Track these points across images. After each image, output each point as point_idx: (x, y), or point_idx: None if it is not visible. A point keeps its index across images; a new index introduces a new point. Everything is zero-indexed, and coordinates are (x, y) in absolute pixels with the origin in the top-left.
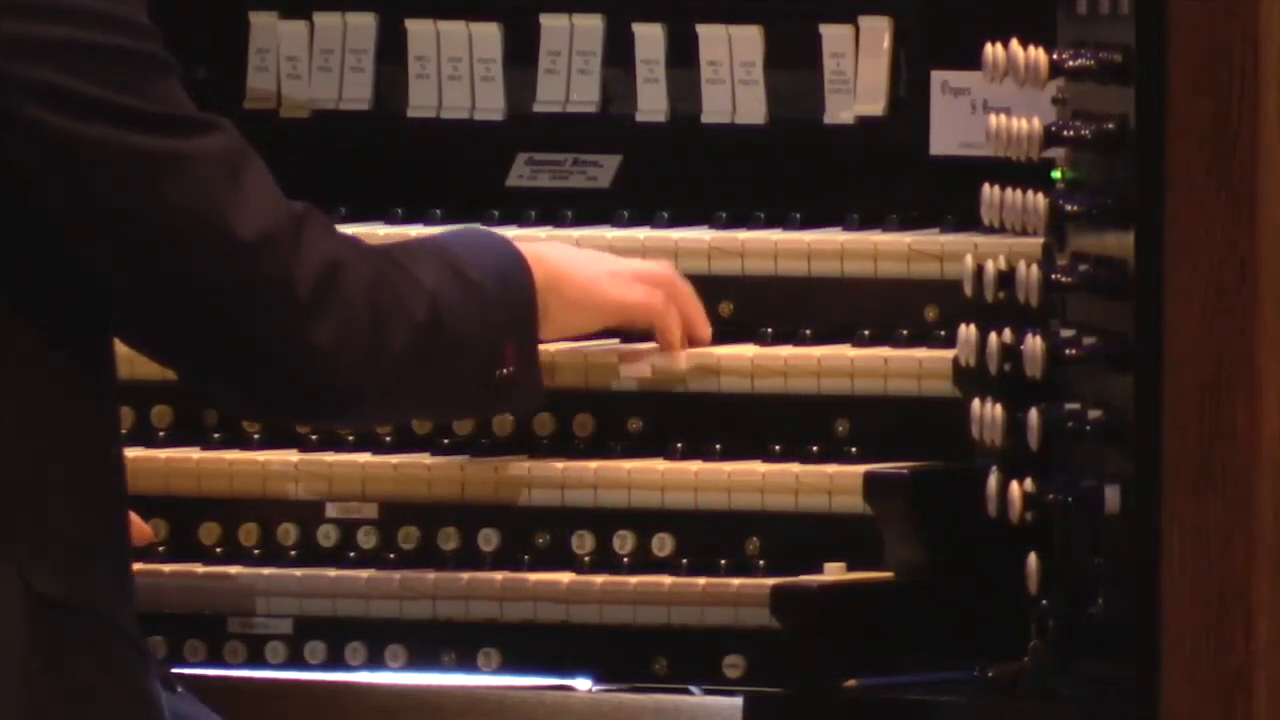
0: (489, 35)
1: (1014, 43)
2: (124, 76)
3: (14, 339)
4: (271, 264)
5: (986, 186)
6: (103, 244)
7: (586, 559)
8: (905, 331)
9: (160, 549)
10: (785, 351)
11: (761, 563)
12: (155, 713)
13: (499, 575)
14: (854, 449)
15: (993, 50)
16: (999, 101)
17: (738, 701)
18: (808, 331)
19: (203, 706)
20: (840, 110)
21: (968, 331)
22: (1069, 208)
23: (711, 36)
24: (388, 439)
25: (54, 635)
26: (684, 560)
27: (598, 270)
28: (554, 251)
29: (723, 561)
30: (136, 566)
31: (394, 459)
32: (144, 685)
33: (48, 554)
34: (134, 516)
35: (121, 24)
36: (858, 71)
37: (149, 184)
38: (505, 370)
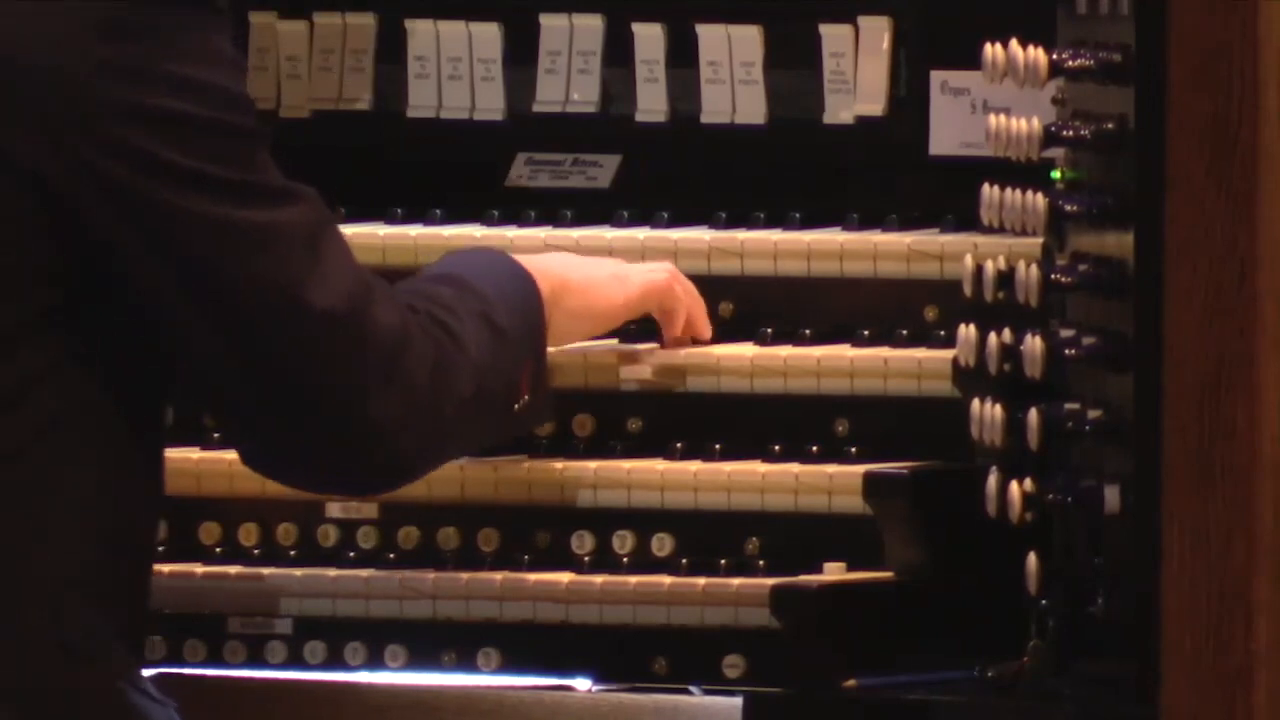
0: (489, 35)
1: (1014, 43)
2: (225, 150)
3: (75, 386)
4: (343, 338)
5: (986, 186)
6: (184, 309)
7: (586, 559)
8: (905, 331)
9: (160, 549)
10: (785, 351)
11: (761, 563)
12: None
13: (499, 575)
14: (854, 449)
15: (992, 50)
16: (999, 101)
17: (737, 701)
18: (807, 331)
19: None
20: (840, 110)
21: (967, 331)
22: (1069, 208)
23: (711, 36)
24: None
25: (80, 688)
26: (684, 560)
27: (600, 275)
28: (558, 263)
29: (722, 561)
30: None
31: None
32: None
33: (84, 602)
34: None
35: (228, 98)
36: (857, 71)
37: (237, 255)
38: (522, 401)
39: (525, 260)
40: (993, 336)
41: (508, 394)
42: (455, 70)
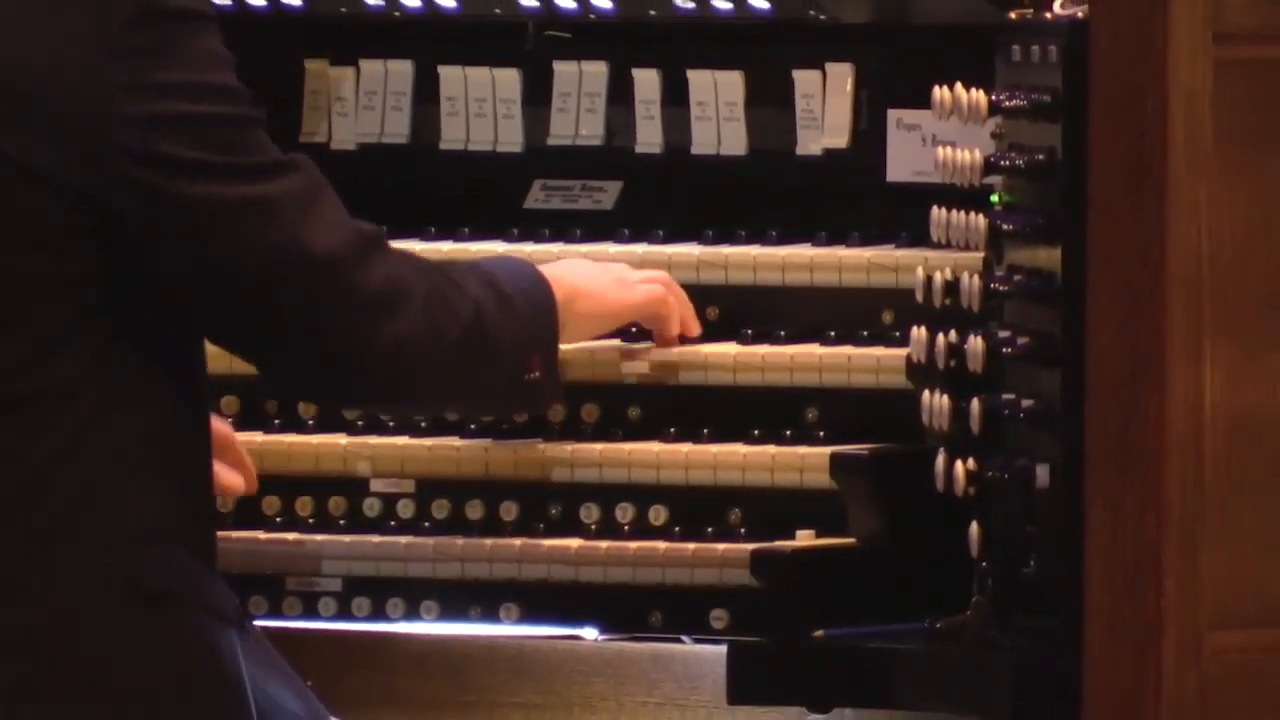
0: (510, 79)
1: (959, 86)
2: (227, 139)
3: (122, 361)
4: (343, 278)
5: (935, 208)
6: (204, 275)
7: (593, 527)
8: (865, 333)
9: (228, 519)
10: (763, 350)
11: (743, 530)
12: (239, 692)
13: (518, 541)
14: (822, 433)
15: (940, 92)
16: (946, 136)
17: (722, 649)
18: (782, 333)
19: (273, 655)
20: (810, 143)
21: (919, 333)
22: (1005, 226)
23: (700, 80)
24: (423, 425)
25: (151, 625)
26: (676, 528)
27: (606, 281)
28: (570, 270)
29: (709, 529)
30: None
31: (428, 441)
32: (229, 672)
33: (150, 548)
34: (228, 474)
35: (221, 92)
36: (825, 110)
37: (242, 226)
38: (533, 376)
39: (544, 269)
40: (941, 337)
41: (517, 356)
42: (481, 109)
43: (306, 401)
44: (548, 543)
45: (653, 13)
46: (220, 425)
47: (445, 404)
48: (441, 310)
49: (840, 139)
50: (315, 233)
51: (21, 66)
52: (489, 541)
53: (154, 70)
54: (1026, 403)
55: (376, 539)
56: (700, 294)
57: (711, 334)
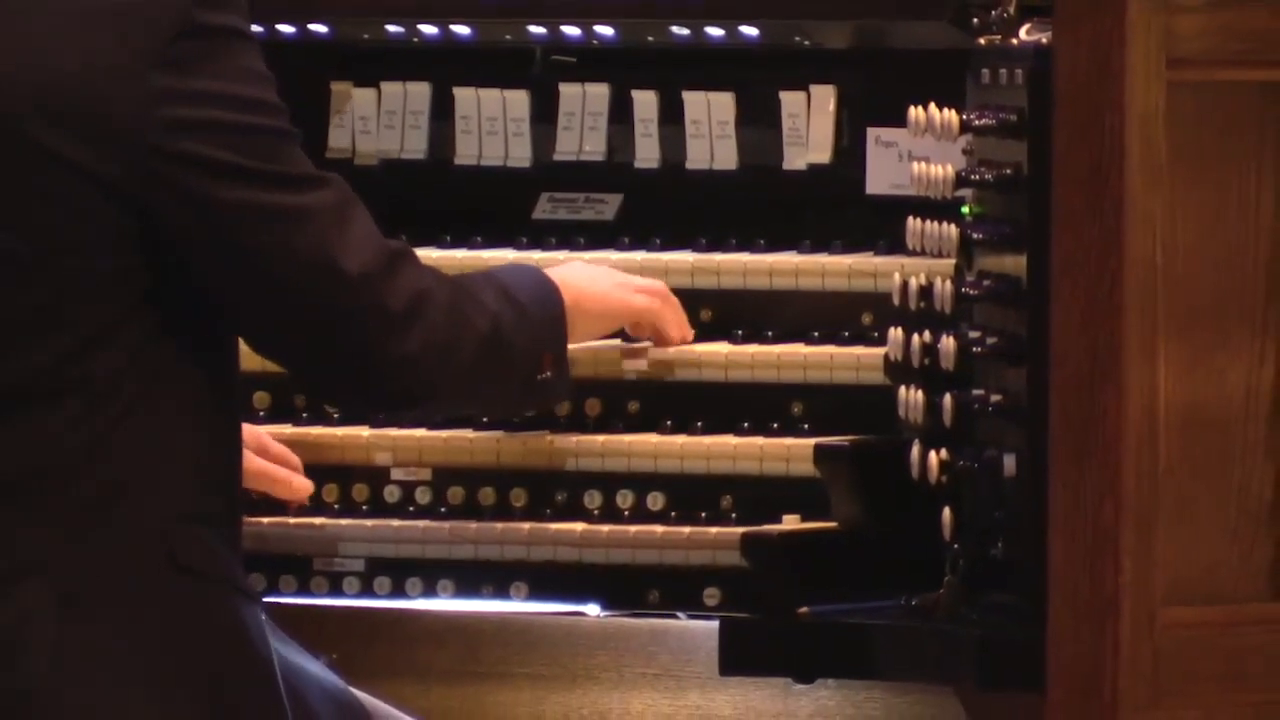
0: (519, 100)
1: (932, 106)
2: (259, 148)
3: (161, 355)
4: (370, 291)
5: (911, 218)
6: (238, 279)
7: (595, 512)
8: (847, 333)
9: (260, 504)
10: (752, 349)
11: (734, 515)
12: (265, 659)
13: (527, 525)
14: (806, 426)
15: (916, 111)
16: (921, 152)
17: (714, 624)
18: (770, 333)
19: (288, 638)
20: (796, 159)
21: (896, 333)
22: (975, 235)
23: (694, 101)
24: (439, 418)
25: (186, 593)
26: (672, 513)
27: (608, 285)
28: (575, 274)
29: (703, 514)
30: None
31: (444, 433)
32: (257, 643)
33: (182, 530)
34: (296, 477)
35: (259, 105)
36: (809, 128)
37: (276, 232)
38: (544, 375)
39: (552, 273)
40: (916, 337)
41: (530, 360)
42: (492, 128)
43: (330, 404)
44: (554, 526)
45: (651, 39)
46: (284, 453)
47: (463, 407)
48: (461, 322)
49: (823, 155)
50: (345, 246)
51: (70, 75)
52: (500, 525)
53: (195, 79)
54: (995, 398)
55: (396, 523)
56: (694, 298)
57: (705, 334)
